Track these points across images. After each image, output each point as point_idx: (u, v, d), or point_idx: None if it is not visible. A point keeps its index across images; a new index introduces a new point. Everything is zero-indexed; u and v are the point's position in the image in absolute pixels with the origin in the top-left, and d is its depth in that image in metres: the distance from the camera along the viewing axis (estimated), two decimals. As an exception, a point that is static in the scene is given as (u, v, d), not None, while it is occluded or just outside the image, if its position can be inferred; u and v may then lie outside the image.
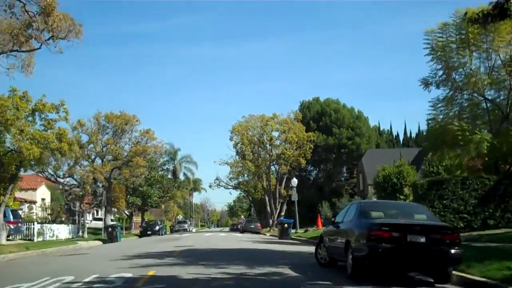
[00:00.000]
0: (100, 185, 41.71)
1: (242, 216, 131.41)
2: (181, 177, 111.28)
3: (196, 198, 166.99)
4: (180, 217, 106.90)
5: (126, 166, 41.40)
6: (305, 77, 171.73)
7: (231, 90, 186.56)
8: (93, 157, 42.35)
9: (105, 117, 41.49)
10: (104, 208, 42.56)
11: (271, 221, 58.77)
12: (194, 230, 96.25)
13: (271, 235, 44.58)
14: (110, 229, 33.66)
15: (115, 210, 57.84)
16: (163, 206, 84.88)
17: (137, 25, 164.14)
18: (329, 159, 65.89)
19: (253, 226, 52.46)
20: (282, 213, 55.13)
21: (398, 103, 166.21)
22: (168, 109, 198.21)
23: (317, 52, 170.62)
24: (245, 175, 68.17)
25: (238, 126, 54.80)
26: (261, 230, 52.81)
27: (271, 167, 57.55)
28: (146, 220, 57.97)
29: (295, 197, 39.07)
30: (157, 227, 47.93)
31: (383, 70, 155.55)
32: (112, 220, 61.53)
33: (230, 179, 67.38)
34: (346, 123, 64.53)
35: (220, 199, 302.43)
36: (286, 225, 30.91)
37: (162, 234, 49.01)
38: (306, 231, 31.92)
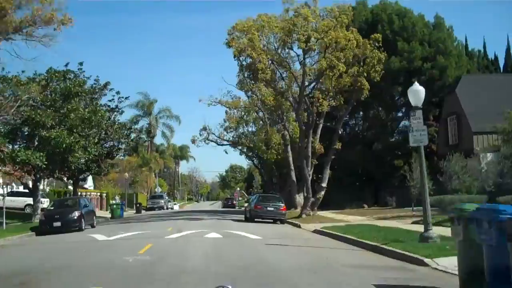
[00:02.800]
0: None
1: (238, 188, 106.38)
2: (160, 139, 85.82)
3: (183, 168, 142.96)
4: (158, 189, 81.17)
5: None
6: None
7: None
8: None
9: None
10: None
11: (297, 197, 33.51)
12: (176, 207, 71.11)
13: (317, 232, 19.89)
14: None
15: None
16: (126, 175, 59.27)
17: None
18: (386, 96, 40.41)
19: (272, 209, 27.08)
20: (324, 184, 29.57)
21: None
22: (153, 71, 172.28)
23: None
24: (251, 124, 42.66)
25: (244, 23, 28.70)
26: (285, 216, 27.55)
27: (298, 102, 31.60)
28: (68, 196, 32.58)
29: (420, 137, 13.70)
30: (75, 214, 22.38)
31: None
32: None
33: (225, 129, 41.83)
34: (419, 36, 38.86)
35: (211, 167, 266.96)
36: None
37: (89, 226, 23.86)
38: None
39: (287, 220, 27.38)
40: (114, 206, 39.15)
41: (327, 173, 29.88)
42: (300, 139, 29.66)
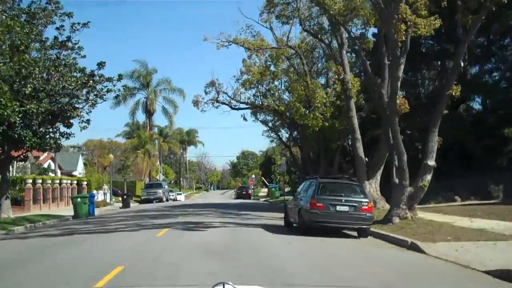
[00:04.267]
0: None
1: (253, 176, 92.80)
2: (162, 119, 72.10)
3: (191, 154, 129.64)
4: (160, 177, 67.77)
5: None
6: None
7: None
8: None
9: None
10: None
11: (367, 185, 20.31)
12: (181, 198, 57.97)
13: None
14: None
15: None
16: (111, 156, 45.87)
17: None
18: (476, 36, 26.63)
19: (346, 210, 13.51)
20: (431, 162, 15.84)
21: None
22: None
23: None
24: (280, 77, 29.10)
25: None
26: (371, 223, 13.92)
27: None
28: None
29: None
30: None
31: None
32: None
33: (242, 84, 28.22)
34: None
35: (221, 152, 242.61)
36: None
37: None
38: None
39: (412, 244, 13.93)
40: (78, 200, 25.91)
41: (435, 142, 16.20)
42: (389, 81, 15.88)
